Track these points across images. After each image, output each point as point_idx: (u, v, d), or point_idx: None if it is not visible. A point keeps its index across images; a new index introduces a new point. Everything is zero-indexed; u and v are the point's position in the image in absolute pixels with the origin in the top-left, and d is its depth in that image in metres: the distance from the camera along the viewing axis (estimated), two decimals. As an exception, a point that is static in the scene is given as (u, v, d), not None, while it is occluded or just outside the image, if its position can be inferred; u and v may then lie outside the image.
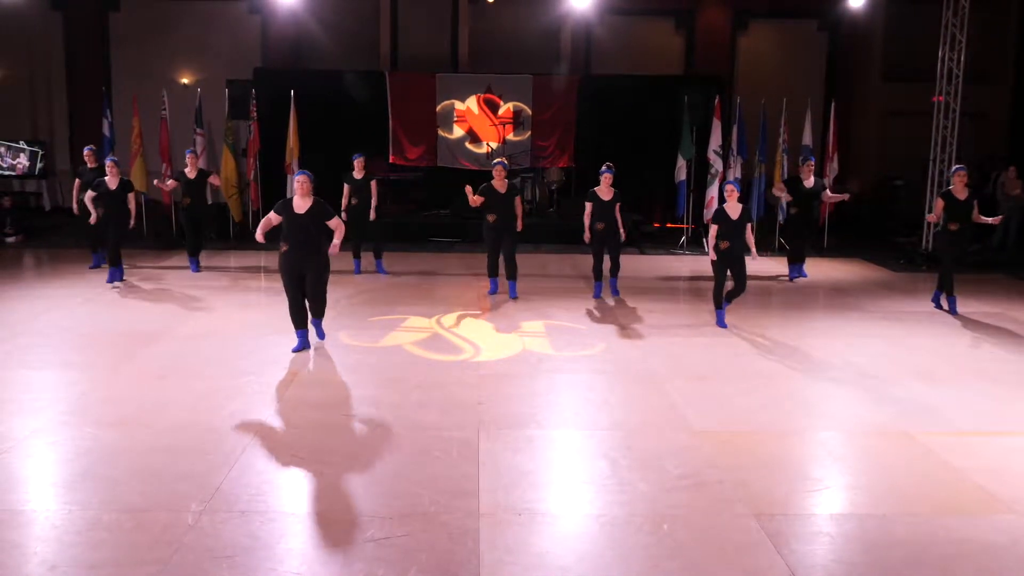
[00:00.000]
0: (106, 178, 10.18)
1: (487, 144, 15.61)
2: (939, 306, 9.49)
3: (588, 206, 9.75)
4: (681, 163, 14.23)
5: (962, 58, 13.15)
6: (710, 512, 4.43)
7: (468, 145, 15.77)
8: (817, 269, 11.68)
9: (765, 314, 9.31)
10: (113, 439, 5.25)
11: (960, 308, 9.35)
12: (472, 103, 15.73)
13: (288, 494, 4.58)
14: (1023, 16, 17.12)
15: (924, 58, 14.57)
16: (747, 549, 4.05)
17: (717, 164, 14.06)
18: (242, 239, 13.81)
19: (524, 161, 15.36)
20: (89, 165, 11.25)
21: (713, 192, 13.99)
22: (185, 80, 16.70)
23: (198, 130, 14.15)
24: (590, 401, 6.26)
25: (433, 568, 3.81)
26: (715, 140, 14.10)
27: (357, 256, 11.35)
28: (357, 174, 10.96)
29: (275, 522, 4.22)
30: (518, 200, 9.79)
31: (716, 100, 14.33)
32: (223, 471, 4.76)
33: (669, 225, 15.59)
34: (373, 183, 10.98)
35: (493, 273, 10.07)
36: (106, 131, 14.14)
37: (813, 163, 11.42)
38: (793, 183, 11.32)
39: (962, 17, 13.00)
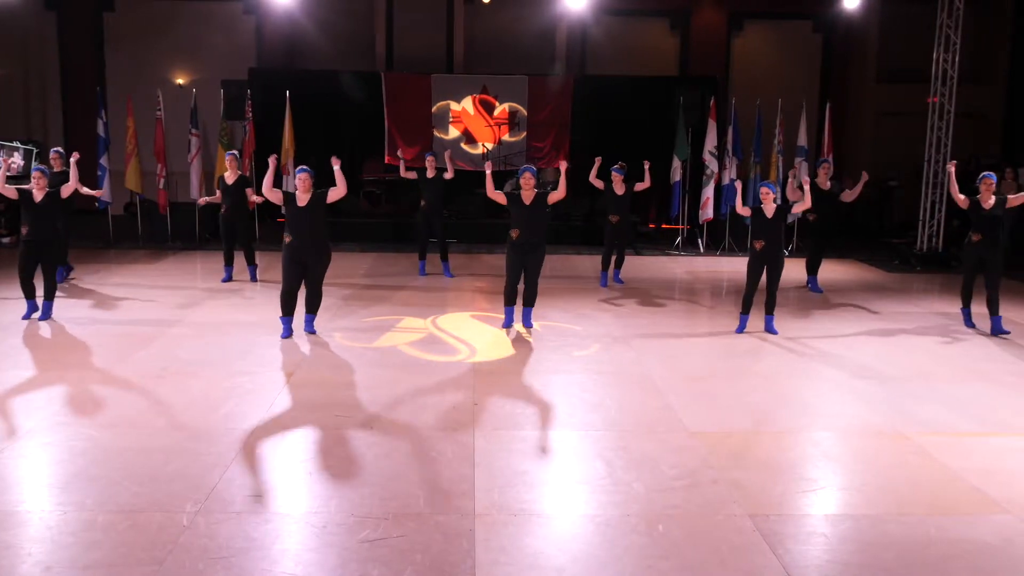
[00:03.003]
0: (30, 187, 8.30)
1: (482, 145, 15.62)
2: (970, 324, 8.75)
3: (600, 182, 10.32)
4: (676, 164, 14.26)
5: (956, 59, 13.18)
6: (705, 512, 4.44)
7: (463, 146, 15.78)
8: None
9: (761, 315, 9.30)
10: (108, 439, 5.24)
11: (953, 308, 9.32)
12: (467, 104, 15.75)
13: (283, 495, 4.58)
14: (1017, 17, 17.18)
15: (918, 59, 14.61)
16: (742, 549, 4.05)
17: (712, 165, 14.09)
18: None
19: (520, 162, 15.39)
20: (55, 169, 10.50)
21: (708, 193, 14.02)
22: (180, 80, 16.67)
23: (193, 131, 14.13)
24: (585, 402, 6.26)
25: (428, 569, 3.81)
26: (710, 141, 14.13)
27: (423, 257, 11.17)
28: (429, 173, 10.84)
29: (270, 523, 4.21)
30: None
31: (711, 101, 14.36)
32: (218, 472, 4.76)
33: (664, 226, 15.61)
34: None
35: (510, 301, 8.30)
36: (101, 131, 14.08)
37: (829, 166, 10.97)
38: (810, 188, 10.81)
39: (956, 18, 13.03)
